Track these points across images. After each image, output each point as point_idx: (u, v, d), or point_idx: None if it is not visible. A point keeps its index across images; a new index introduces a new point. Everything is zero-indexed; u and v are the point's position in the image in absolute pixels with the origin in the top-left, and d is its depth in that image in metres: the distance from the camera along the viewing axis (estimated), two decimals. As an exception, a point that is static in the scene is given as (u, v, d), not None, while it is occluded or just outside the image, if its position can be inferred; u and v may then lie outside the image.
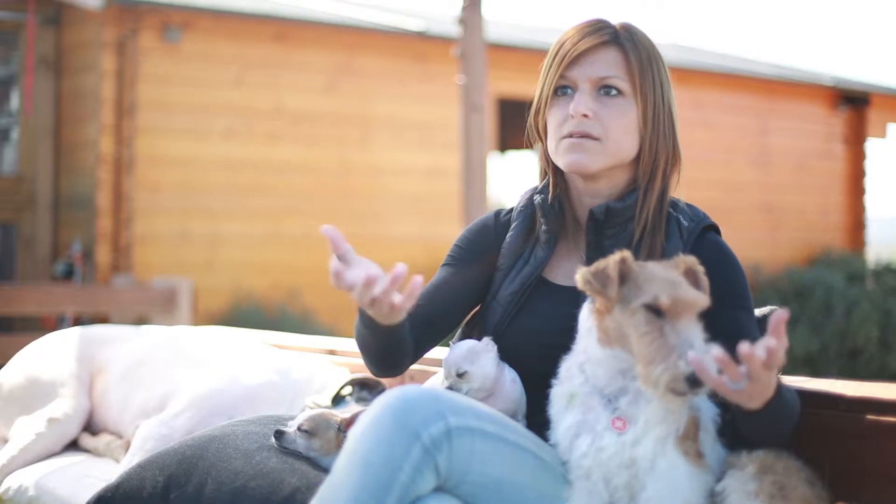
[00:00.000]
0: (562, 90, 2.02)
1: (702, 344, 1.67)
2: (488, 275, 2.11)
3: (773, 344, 1.58)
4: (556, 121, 2.02)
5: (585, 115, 1.97)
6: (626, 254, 1.75)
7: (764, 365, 1.59)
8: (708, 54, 13.44)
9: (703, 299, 1.71)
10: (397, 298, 1.76)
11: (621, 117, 1.98)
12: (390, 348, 1.96)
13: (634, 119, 2.00)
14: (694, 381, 1.63)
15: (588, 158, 1.98)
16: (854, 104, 12.50)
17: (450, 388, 1.94)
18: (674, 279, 1.72)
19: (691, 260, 1.77)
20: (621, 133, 1.99)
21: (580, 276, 1.75)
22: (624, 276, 1.73)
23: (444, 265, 2.14)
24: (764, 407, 1.68)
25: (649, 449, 1.72)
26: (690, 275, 1.76)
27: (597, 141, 1.98)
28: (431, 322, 2.07)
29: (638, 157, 2.02)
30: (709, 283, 1.80)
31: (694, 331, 1.68)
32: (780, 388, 1.71)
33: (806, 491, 1.74)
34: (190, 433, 2.68)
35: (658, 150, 2.02)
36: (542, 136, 2.09)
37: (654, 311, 1.68)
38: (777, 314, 1.59)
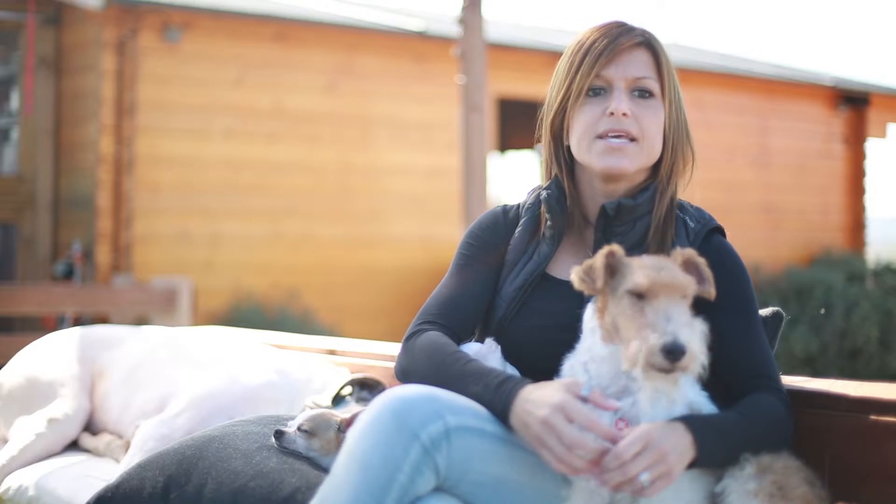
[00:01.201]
0: (595, 91, 2.02)
1: (681, 320, 1.67)
2: (501, 268, 2.10)
3: (610, 461, 1.66)
4: (589, 120, 2.01)
5: (625, 114, 1.98)
6: (615, 247, 1.77)
7: (635, 463, 1.65)
8: (708, 54, 13.45)
9: (685, 281, 1.71)
10: None
11: (655, 118, 2.00)
12: None
13: (662, 121, 2.02)
14: (670, 353, 1.62)
15: (627, 161, 1.99)
16: (854, 104, 12.51)
17: None
18: (659, 265, 1.72)
19: (689, 252, 1.77)
20: (655, 134, 2.01)
21: (574, 275, 1.77)
22: (613, 269, 1.74)
23: (461, 264, 2.10)
24: (700, 458, 1.72)
25: None
26: (691, 266, 1.76)
27: (635, 142, 1.99)
28: (472, 327, 2.07)
29: (659, 160, 2.04)
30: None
31: (674, 308, 1.67)
32: (703, 436, 1.73)
33: (806, 491, 1.74)
34: (190, 433, 2.68)
35: (677, 153, 2.04)
36: (556, 137, 2.08)
37: (637, 295, 1.70)
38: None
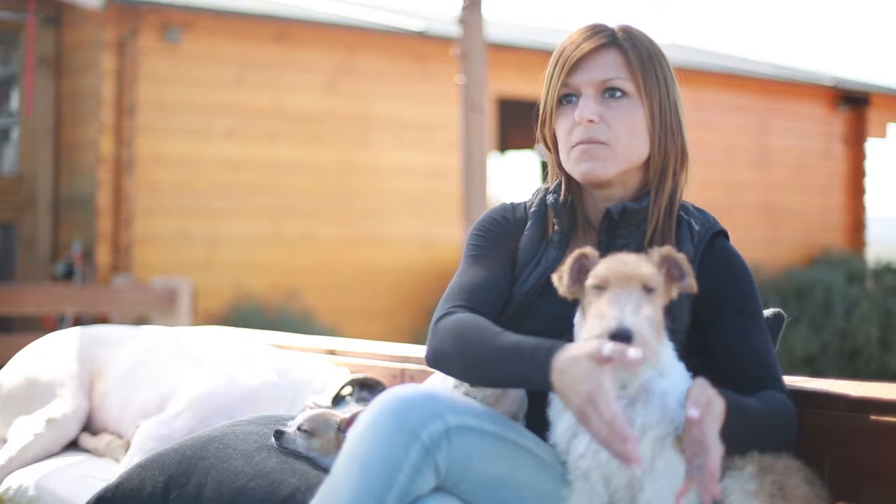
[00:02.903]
0: (566, 98, 2.00)
1: (629, 307, 1.66)
2: (515, 263, 2.06)
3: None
4: (564, 130, 2.00)
5: (591, 121, 1.95)
6: (587, 250, 1.77)
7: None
8: (708, 54, 13.45)
9: (646, 272, 1.69)
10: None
11: (628, 118, 1.96)
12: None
13: (642, 119, 1.98)
14: (617, 338, 1.62)
15: (601, 165, 1.96)
16: (854, 104, 12.51)
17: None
18: (623, 259, 1.72)
19: (666, 249, 1.76)
20: (630, 134, 1.97)
21: (554, 278, 1.80)
22: (586, 269, 1.75)
23: (477, 255, 2.05)
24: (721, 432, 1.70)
25: (647, 450, 1.72)
26: (669, 262, 1.75)
27: (606, 146, 1.95)
28: (496, 314, 2.00)
29: (648, 158, 2.01)
30: (717, 290, 1.87)
31: (626, 297, 1.67)
32: (732, 412, 1.71)
33: (806, 491, 1.74)
34: (190, 433, 2.69)
35: (668, 149, 2.00)
36: (552, 147, 2.07)
37: (598, 287, 1.71)
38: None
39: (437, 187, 9.25)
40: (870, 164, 12.55)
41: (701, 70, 11.10)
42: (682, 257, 1.75)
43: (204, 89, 8.35)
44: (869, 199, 12.48)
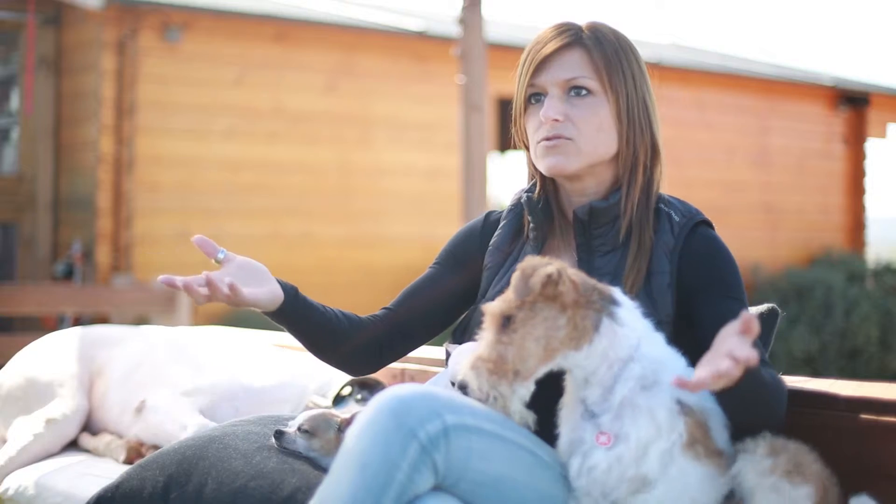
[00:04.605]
0: (535, 97, 2.05)
1: (477, 351, 1.74)
2: (470, 281, 2.15)
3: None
4: (532, 128, 2.06)
5: (556, 120, 1.99)
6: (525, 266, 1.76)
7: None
8: (708, 54, 13.45)
9: (493, 306, 1.75)
10: (204, 291, 2.00)
11: (593, 116, 1.99)
12: (309, 335, 2.08)
13: (608, 116, 2.00)
14: (460, 389, 1.75)
15: (564, 160, 1.99)
16: (854, 104, 12.51)
17: None
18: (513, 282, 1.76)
19: (518, 272, 1.74)
20: (594, 131, 1.99)
21: None
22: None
23: (430, 267, 2.21)
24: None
25: (656, 463, 1.71)
26: (524, 282, 1.74)
27: (571, 141, 1.99)
28: (405, 329, 2.16)
29: (618, 153, 2.03)
30: (699, 276, 1.92)
31: (481, 339, 1.76)
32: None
33: (820, 468, 1.75)
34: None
35: (636, 144, 2.02)
36: (525, 144, 2.12)
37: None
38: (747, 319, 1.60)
39: (437, 187, 9.25)
40: (870, 164, 12.56)
41: (701, 70, 11.09)
42: (522, 268, 1.74)
43: (204, 89, 8.35)
44: (869, 199, 12.49)
